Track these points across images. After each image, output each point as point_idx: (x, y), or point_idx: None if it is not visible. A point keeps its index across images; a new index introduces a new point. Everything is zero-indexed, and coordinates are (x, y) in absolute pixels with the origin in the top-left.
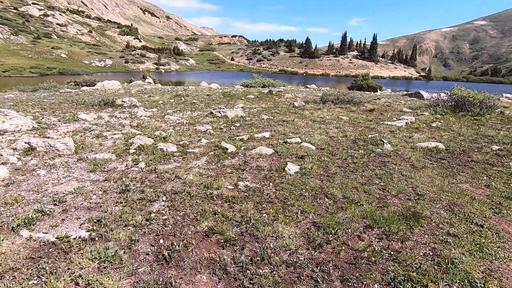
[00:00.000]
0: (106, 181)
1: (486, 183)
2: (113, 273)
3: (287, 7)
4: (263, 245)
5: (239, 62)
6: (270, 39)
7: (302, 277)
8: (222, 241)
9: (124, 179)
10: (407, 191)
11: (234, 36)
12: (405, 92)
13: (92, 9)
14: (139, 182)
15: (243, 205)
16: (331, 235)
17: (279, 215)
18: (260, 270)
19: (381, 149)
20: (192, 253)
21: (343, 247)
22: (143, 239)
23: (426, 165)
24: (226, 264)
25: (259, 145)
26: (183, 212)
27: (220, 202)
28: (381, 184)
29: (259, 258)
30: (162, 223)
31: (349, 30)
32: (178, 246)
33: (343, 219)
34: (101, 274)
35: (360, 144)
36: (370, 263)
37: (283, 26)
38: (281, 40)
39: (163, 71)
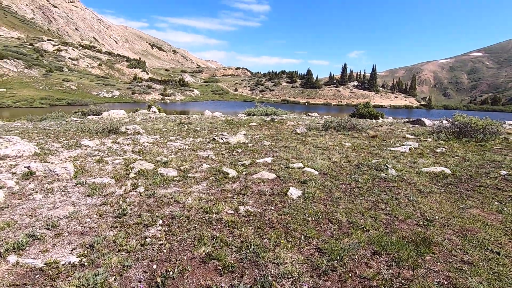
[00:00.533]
0: (102, 205)
1: (497, 209)
2: None
3: (288, 42)
4: (264, 272)
5: (242, 92)
6: (272, 71)
7: None
8: (220, 267)
9: (121, 203)
10: (415, 216)
11: (237, 68)
12: (407, 120)
13: (103, 44)
14: (137, 207)
15: (243, 229)
16: (336, 262)
17: (281, 241)
18: None
19: (386, 174)
20: (188, 280)
21: (350, 275)
22: (136, 265)
23: (433, 190)
24: None
25: (261, 170)
26: (180, 237)
27: (219, 226)
28: (387, 209)
29: (259, 286)
30: (157, 248)
31: (348, 62)
32: (173, 272)
33: (349, 245)
34: None
35: (363, 169)
36: None
37: (285, 58)
38: (283, 72)
39: (168, 101)
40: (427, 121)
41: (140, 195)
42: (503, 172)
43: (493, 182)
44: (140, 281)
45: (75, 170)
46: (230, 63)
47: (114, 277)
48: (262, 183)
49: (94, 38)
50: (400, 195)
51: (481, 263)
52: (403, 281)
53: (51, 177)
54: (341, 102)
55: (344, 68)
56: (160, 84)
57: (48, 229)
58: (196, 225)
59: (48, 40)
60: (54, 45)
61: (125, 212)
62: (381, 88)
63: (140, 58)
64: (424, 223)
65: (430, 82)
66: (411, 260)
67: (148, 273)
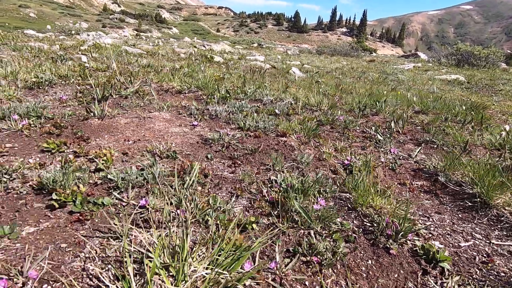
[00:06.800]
0: None
1: None
2: None
3: None
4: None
5: (225, 33)
6: (257, 12)
7: None
8: None
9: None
10: (441, 96)
11: (220, 7)
12: (401, 55)
13: None
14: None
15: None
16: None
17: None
18: None
19: (396, 78)
20: None
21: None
22: None
23: (452, 89)
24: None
25: (253, 60)
26: None
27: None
28: (410, 87)
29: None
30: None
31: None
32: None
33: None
34: None
35: (370, 73)
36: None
37: (272, 0)
38: (269, 14)
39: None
40: (423, 55)
41: None
42: None
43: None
44: None
45: None
46: (211, 1)
47: None
48: (257, 66)
49: None
50: (417, 88)
51: None
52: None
53: None
54: None
55: (334, 12)
56: (134, 18)
57: None
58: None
59: None
60: None
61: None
62: (369, 36)
63: None
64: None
65: (417, 34)
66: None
67: None
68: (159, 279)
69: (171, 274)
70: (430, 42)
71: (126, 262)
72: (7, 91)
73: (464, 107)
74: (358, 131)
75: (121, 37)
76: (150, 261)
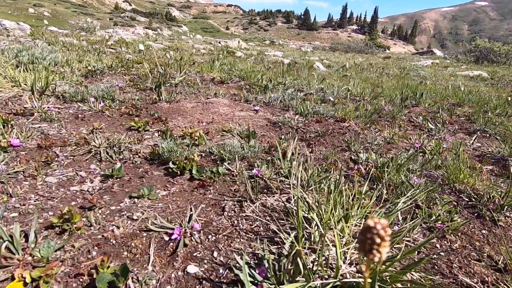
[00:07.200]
0: None
1: None
2: None
3: None
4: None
5: (234, 31)
6: (267, 9)
7: None
8: None
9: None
10: (472, 91)
11: (229, 5)
12: (416, 52)
13: None
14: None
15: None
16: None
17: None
18: None
19: (417, 73)
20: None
21: None
22: None
23: (477, 85)
24: None
25: (272, 56)
26: None
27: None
28: (434, 82)
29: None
30: None
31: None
32: None
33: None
34: None
35: (390, 69)
36: None
37: None
38: (278, 11)
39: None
40: (439, 52)
41: None
42: None
43: None
44: None
45: None
46: None
47: None
48: (279, 61)
49: None
50: (440, 83)
51: None
52: None
53: None
54: None
55: (345, 9)
56: (145, 16)
57: None
58: None
59: None
60: None
61: None
62: (380, 34)
63: None
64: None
65: (430, 31)
66: None
67: None
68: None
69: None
70: (443, 39)
71: (293, 214)
72: (71, 78)
73: (501, 101)
74: (405, 120)
75: (135, 34)
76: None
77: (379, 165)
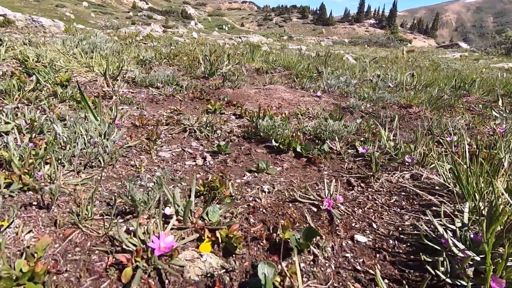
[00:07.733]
0: None
1: None
2: None
3: None
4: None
5: (249, 28)
6: (282, 5)
7: None
8: None
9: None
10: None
11: (244, 1)
12: (439, 45)
13: None
14: None
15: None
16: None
17: None
18: None
19: (448, 66)
20: None
21: None
22: None
23: None
24: None
25: (296, 49)
26: None
27: None
28: (467, 75)
29: None
30: None
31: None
32: None
33: None
34: None
35: (419, 62)
36: None
37: None
38: (294, 6)
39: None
40: (464, 45)
41: None
42: None
43: None
44: None
45: None
46: None
47: None
48: (305, 54)
49: None
50: (479, 76)
51: None
52: None
53: None
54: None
55: (362, 3)
56: (162, 15)
57: None
58: None
59: None
60: None
61: None
62: (399, 28)
63: None
64: None
65: (452, 25)
66: None
67: None
68: None
69: None
70: (465, 32)
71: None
72: (130, 65)
73: None
74: (462, 108)
75: (153, 32)
76: None
77: (483, 146)
